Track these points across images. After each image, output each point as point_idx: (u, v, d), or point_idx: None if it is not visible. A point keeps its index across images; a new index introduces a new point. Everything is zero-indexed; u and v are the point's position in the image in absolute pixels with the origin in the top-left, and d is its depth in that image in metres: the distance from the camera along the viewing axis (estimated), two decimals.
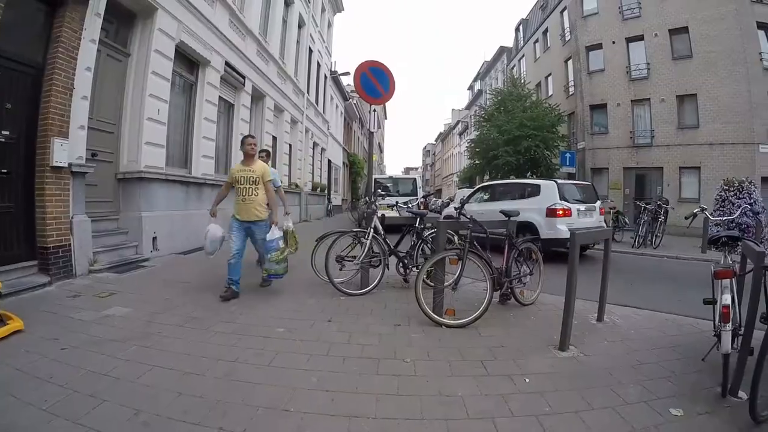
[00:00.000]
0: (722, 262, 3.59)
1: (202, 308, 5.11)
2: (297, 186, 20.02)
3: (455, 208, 6.30)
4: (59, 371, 3.27)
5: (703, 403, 3.09)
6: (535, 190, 10.73)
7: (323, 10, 25.60)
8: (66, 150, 6.05)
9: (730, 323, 3.22)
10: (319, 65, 25.10)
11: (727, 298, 3.29)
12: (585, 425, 2.79)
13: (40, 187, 5.89)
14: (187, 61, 10.32)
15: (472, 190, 17.02)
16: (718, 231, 5.83)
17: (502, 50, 44.66)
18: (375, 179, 16.64)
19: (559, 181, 11.31)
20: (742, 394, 3.10)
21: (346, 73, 27.72)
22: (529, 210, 9.78)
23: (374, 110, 7.26)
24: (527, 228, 9.61)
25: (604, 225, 11.77)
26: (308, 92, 22.06)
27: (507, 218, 5.88)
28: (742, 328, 3.25)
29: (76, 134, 6.37)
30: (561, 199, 9.94)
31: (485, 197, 12.50)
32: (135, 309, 4.98)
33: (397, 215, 8.74)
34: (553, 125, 23.44)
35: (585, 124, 25.06)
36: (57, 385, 3.06)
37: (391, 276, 6.80)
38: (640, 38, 23.02)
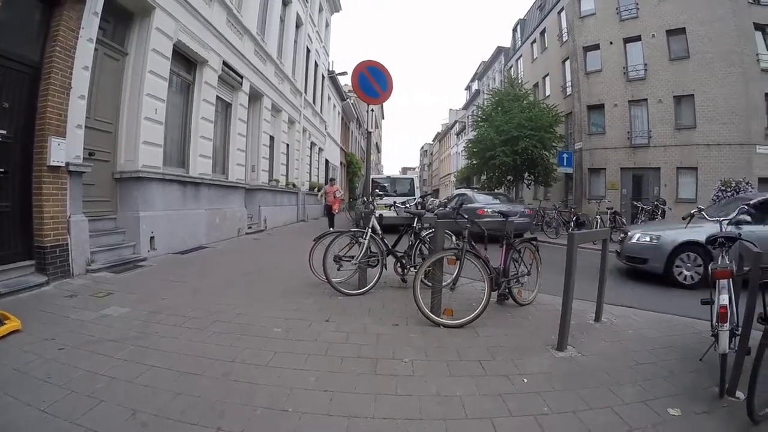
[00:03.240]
0: (720, 263, 3.59)
1: (200, 308, 5.09)
2: (294, 186, 20.02)
3: (453, 208, 6.30)
4: (57, 371, 3.26)
5: (700, 403, 3.11)
6: None
7: (321, 9, 25.58)
8: (63, 149, 6.03)
9: (728, 323, 3.24)
10: (316, 65, 25.07)
11: (724, 299, 3.30)
12: (583, 425, 2.79)
13: (38, 187, 5.87)
14: (185, 61, 10.30)
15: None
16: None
17: (499, 50, 44.67)
18: (372, 179, 16.63)
19: None
20: (740, 394, 3.11)
21: (344, 73, 27.76)
22: None
23: (372, 110, 7.26)
24: None
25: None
26: (306, 92, 22.03)
27: (504, 218, 5.89)
28: (740, 328, 3.26)
29: (73, 133, 6.34)
30: None
31: None
32: (132, 309, 4.97)
33: (395, 215, 8.74)
34: (550, 125, 23.45)
35: (582, 124, 25.11)
36: (55, 385, 3.05)
37: (389, 276, 6.81)
38: (638, 39, 23.10)
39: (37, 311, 4.67)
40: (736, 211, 5.30)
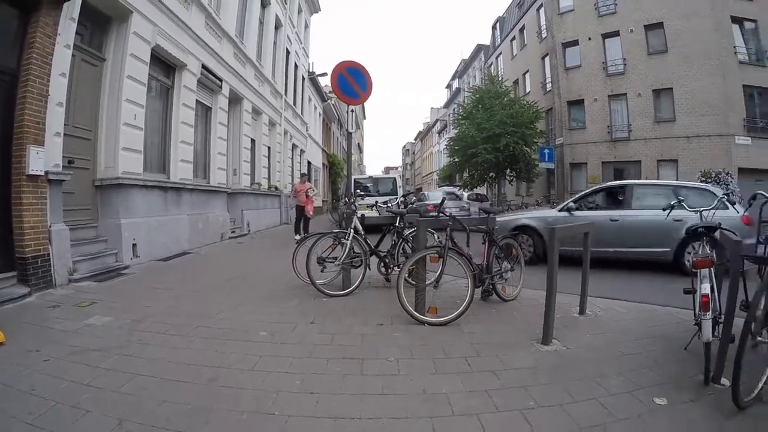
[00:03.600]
0: (700, 252, 3.65)
1: (184, 315, 5.06)
2: (276, 188, 19.94)
3: (435, 206, 6.36)
4: (42, 383, 3.23)
5: (686, 391, 3.15)
6: None
7: (300, 11, 25.53)
8: (42, 158, 5.94)
9: (710, 312, 3.29)
10: (296, 66, 25.02)
11: (706, 287, 3.35)
12: (570, 418, 2.82)
13: (17, 196, 5.78)
14: (164, 65, 10.23)
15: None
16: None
17: (479, 48, 44.91)
18: (355, 179, 16.64)
19: None
20: (725, 381, 3.16)
21: (324, 74, 27.73)
22: None
23: (352, 110, 7.26)
24: None
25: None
26: (286, 94, 21.95)
27: (486, 215, 5.92)
28: (722, 317, 3.31)
29: (52, 141, 6.27)
30: None
31: None
32: (116, 317, 4.92)
33: (377, 215, 8.75)
34: (531, 122, 23.63)
35: (563, 119, 25.34)
36: (40, 397, 3.02)
37: (373, 276, 6.81)
38: (616, 34, 23.39)
39: (20, 323, 4.61)
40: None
